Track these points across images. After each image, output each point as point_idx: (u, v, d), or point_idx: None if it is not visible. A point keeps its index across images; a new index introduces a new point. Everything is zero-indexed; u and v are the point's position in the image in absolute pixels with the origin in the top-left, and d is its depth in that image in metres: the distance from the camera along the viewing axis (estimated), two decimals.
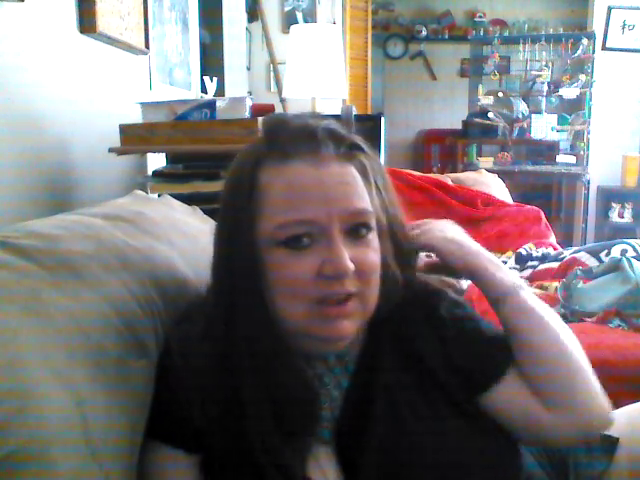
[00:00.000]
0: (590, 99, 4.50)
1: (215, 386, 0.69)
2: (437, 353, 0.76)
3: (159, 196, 1.28)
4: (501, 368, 0.76)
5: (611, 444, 0.86)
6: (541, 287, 2.06)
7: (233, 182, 0.72)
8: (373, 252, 0.70)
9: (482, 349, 0.77)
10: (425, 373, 0.75)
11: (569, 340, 0.77)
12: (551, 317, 0.78)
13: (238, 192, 0.70)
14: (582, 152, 4.56)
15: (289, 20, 4.24)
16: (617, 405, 0.97)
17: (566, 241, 4.34)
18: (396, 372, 0.75)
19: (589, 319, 1.70)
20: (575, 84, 4.54)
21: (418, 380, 0.75)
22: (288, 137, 0.70)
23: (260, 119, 0.80)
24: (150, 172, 1.68)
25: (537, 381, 0.75)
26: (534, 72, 4.71)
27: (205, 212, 1.18)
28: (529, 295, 0.79)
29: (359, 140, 0.74)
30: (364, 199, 0.70)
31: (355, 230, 0.69)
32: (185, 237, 0.99)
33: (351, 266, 0.66)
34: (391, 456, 0.70)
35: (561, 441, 0.81)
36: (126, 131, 1.50)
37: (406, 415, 0.72)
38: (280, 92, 3.04)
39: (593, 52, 4.48)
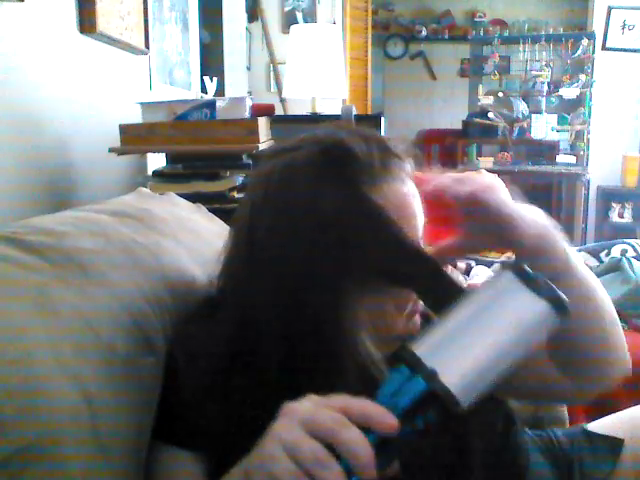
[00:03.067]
0: (590, 99, 4.50)
1: (225, 387, 0.68)
2: None
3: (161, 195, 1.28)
4: None
5: (616, 445, 0.86)
6: None
7: (332, 205, 0.64)
8: None
9: None
10: None
11: (608, 308, 0.76)
12: (593, 283, 0.73)
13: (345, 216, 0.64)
14: (582, 152, 4.56)
15: (289, 20, 4.24)
16: (618, 405, 0.97)
17: (566, 241, 4.33)
18: None
19: None
20: (575, 84, 4.54)
21: None
22: (379, 158, 0.67)
23: (318, 143, 0.69)
24: (150, 172, 1.68)
25: (567, 359, 0.75)
26: (534, 72, 4.72)
27: None
28: (581, 267, 0.71)
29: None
30: None
31: None
32: (191, 234, 0.99)
33: None
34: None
35: (575, 400, 0.85)
36: (126, 131, 1.50)
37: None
38: (280, 92, 3.04)
39: (593, 52, 4.48)
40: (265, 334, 0.65)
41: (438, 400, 0.43)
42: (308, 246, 0.63)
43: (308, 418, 0.45)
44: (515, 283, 0.46)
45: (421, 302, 0.70)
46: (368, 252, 0.62)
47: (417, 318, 0.71)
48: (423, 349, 0.45)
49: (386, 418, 0.44)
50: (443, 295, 0.57)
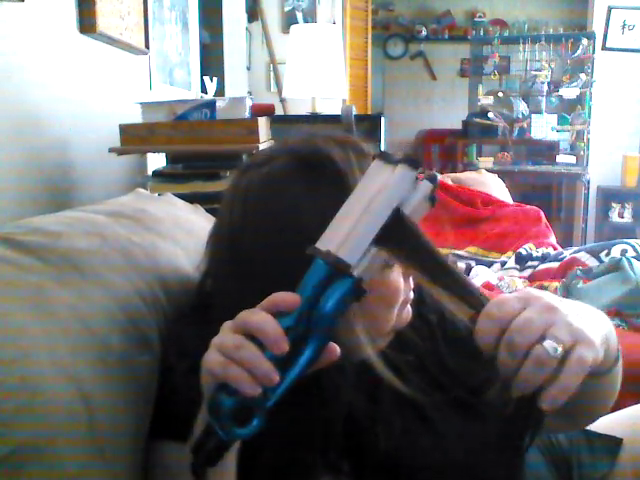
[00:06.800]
0: (590, 99, 4.49)
1: None
2: (428, 349, 0.77)
3: (159, 195, 1.28)
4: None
5: (615, 445, 0.86)
6: (541, 287, 2.06)
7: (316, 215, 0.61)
8: None
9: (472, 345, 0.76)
10: (424, 371, 0.75)
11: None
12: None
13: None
14: (582, 152, 4.56)
15: (289, 20, 4.24)
16: (618, 405, 0.97)
17: (566, 241, 4.34)
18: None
19: None
20: (575, 84, 4.53)
21: (419, 379, 0.75)
22: (357, 162, 0.66)
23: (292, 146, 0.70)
24: (150, 172, 1.68)
25: (576, 416, 0.77)
26: (534, 72, 4.71)
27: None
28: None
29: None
30: None
31: None
32: (188, 235, 0.99)
33: None
34: (393, 456, 0.70)
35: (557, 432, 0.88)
36: (126, 131, 1.50)
37: (408, 415, 0.72)
38: (280, 92, 3.04)
39: (593, 52, 4.47)
40: None
41: (330, 267, 0.53)
42: (296, 257, 0.56)
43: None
44: (375, 165, 0.55)
45: (411, 293, 0.71)
46: None
47: (409, 308, 0.72)
48: (319, 243, 0.54)
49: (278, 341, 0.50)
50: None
